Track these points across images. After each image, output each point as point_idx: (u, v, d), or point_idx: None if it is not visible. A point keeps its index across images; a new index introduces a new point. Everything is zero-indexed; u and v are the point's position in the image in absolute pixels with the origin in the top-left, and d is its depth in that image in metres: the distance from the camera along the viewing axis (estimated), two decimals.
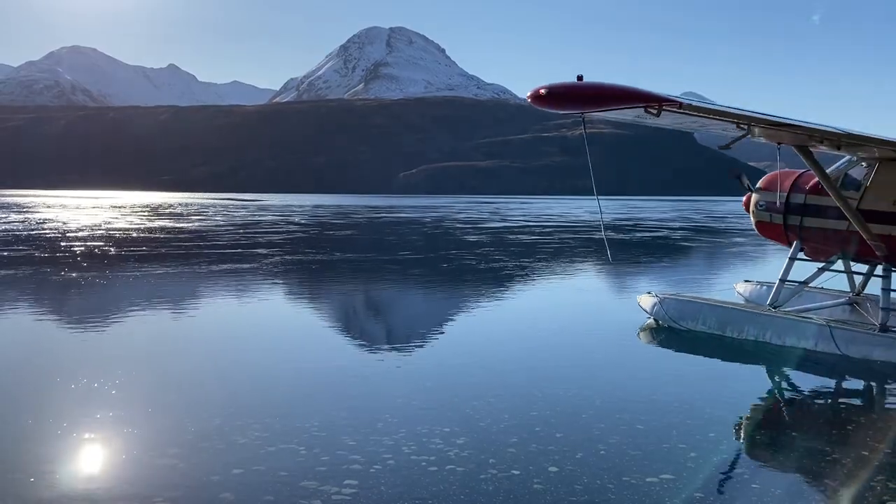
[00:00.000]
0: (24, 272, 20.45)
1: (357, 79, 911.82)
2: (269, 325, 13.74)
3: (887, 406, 9.10)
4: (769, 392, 9.72)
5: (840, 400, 9.35)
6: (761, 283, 13.97)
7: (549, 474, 6.25)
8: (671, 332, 12.49)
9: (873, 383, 9.91)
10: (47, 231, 38.39)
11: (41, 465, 6.39)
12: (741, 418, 8.16)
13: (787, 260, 12.27)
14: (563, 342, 12.28)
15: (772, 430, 8.01)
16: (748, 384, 9.91)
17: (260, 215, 64.76)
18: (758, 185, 12.97)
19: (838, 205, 11.13)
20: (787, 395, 9.53)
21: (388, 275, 22.59)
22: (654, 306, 12.87)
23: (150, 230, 41.13)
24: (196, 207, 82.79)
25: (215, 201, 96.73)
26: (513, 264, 24.38)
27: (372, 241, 38.09)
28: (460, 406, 8.35)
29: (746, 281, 14.89)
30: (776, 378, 10.18)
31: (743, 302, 13.38)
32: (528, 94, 8.10)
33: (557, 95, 7.86)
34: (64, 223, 46.12)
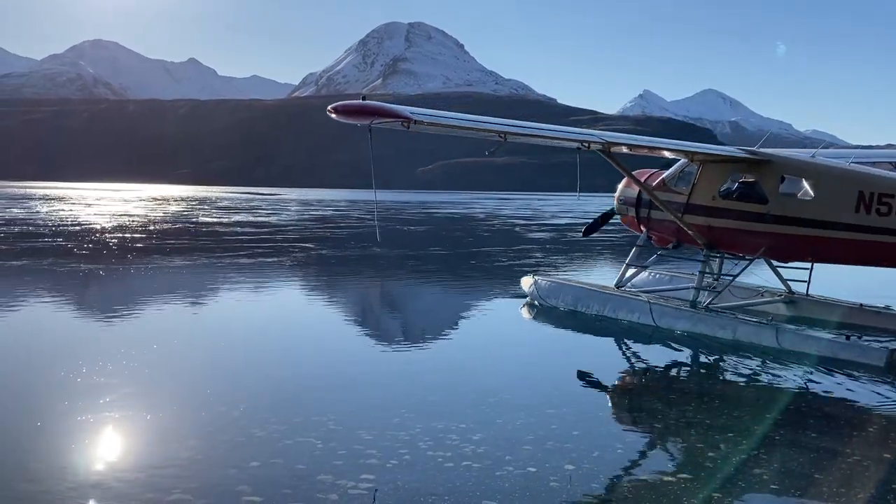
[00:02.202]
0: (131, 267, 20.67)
1: (375, 74, 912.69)
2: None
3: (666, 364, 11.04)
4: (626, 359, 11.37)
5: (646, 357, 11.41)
6: (648, 270, 15.21)
7: (565, 472, 6.24)
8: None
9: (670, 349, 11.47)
10: (169, 231, 38.66)
11: (61, 455, 6.47)
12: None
13: (634, 247, 14.24)
14: (581, 342, 12.25)
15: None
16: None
17: (314, 210, 64.45)
18: (620, 184, 14.60)
19: (670, 200, 12.98)
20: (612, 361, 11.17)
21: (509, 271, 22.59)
22: (530, 287, 14.83)
23: (237, 225, 41.03)
24: (238, 202, 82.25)
25: (244, 195, 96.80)
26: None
27: (458, 236, 37.62)
28: (477, 403, 8.36)
29: (636, 266, 15.70)
30: (619, 347, 12.00)
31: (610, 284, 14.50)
32: (329, 110, 9.68)
33: (341, 111, 9.51)
34: (151, 217, 46.47)
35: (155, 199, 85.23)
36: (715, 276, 13.63)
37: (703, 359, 11.08)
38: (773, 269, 13.82)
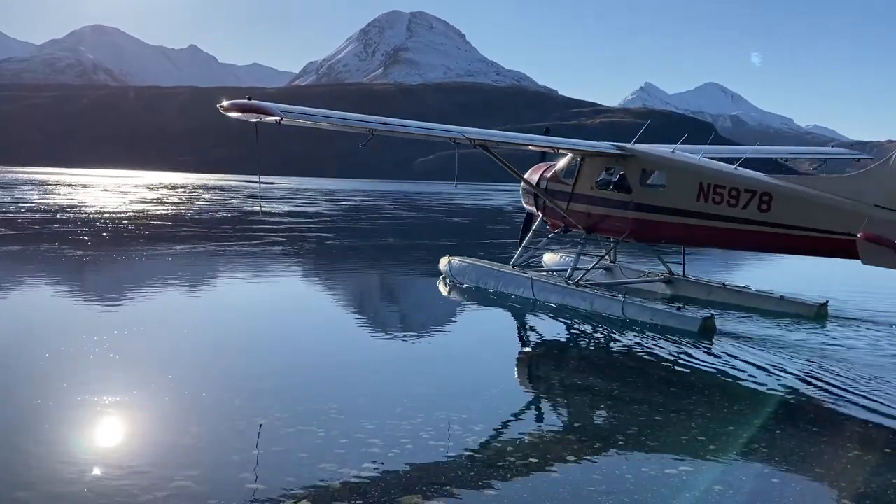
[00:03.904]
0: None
1: (377, 63, 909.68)
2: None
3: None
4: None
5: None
6: (561, 255, 16.79)
7: (567, 462, 6.24)
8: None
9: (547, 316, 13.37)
10: (222, 219, 38.60)
11: (61, 441, 6.47)
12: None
13: (530, 231, 16.03)
14: (585, 331, 12.27)
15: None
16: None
17: (342, 200, 63.78)
18: (526, 174, 16.07)
19: (560, 190, 14.90)
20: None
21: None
22: (445, 267, 16.56)
23: (290, 215, 40.94)
24: (256, 190, 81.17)
25: (251, 184, 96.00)
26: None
27: (501, 228, 37.48)
28: (479, 393, 8.37)
29: (551, 251, 17.98)
30: (514, 318, 13.53)
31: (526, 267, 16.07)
32: (218, 106, 11.11)
33: (228, 108, 10.95)
34: (216, 208, 46.40)
35: (179, 187, 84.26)
36: (610, 260, 16.23)
37: (563, 327, 12.59)
38: (656, 253, 16.10)
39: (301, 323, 12.80)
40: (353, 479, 5.74)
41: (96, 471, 5.83)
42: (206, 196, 61.38)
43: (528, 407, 8.23)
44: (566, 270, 14.71)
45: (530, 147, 15.09)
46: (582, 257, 14.87)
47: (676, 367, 9.79)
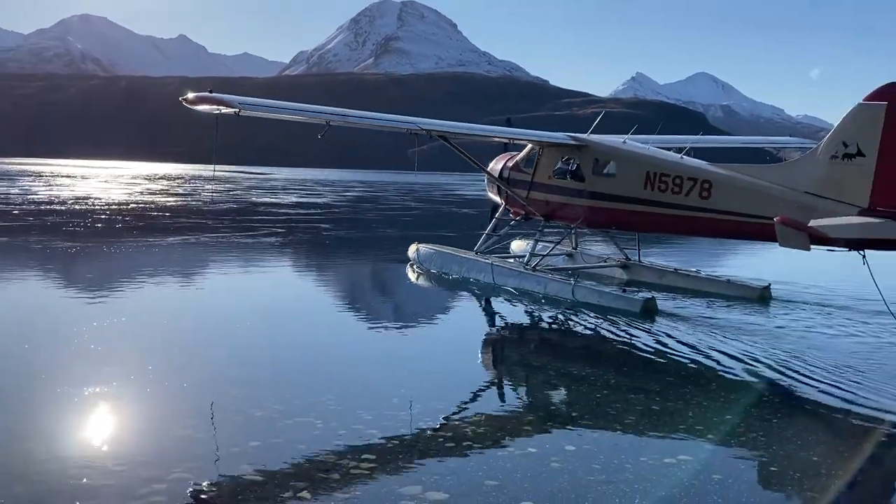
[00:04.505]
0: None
1: (367, 53, 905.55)
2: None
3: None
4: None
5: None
6: (527, 241, 17.03)
7: (566, 453, 6.25)
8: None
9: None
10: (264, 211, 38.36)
11: (61, 434, 6.43)
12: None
13: (494, 219, 16.60)
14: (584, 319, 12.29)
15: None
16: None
17: (345, 191, 63.34)
18: (490, 164, 16.70)
19: (521, 179, 15.54)
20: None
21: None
22: (413, 254, 17.18)
23: (300, 206, 40.82)
24: (258, 181, 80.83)
25: (247, 176, 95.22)
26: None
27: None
28: (478, 384, 8.36)
29: (520, 239, 18.40)
30: (479, 302, 14.23)
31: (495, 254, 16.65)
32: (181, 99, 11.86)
33: (190, 101, 11.80)
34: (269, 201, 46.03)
35: (177, 178, 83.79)
36: (572, 246, 17.15)
37: (517, 309, 13.21)
38: (613, 240, 16.88)
39: (282, 314, 12.75)
40: (353, 471, 5.72)
41: (93, 463, 5.78)
42: (210, 187, 60.89)
43: (515, 394, 8.25)
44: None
45: (493, 138, 15.84)
46: (541, 244, 15.44)
47: (619, 345, 10.38)
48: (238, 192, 55.32)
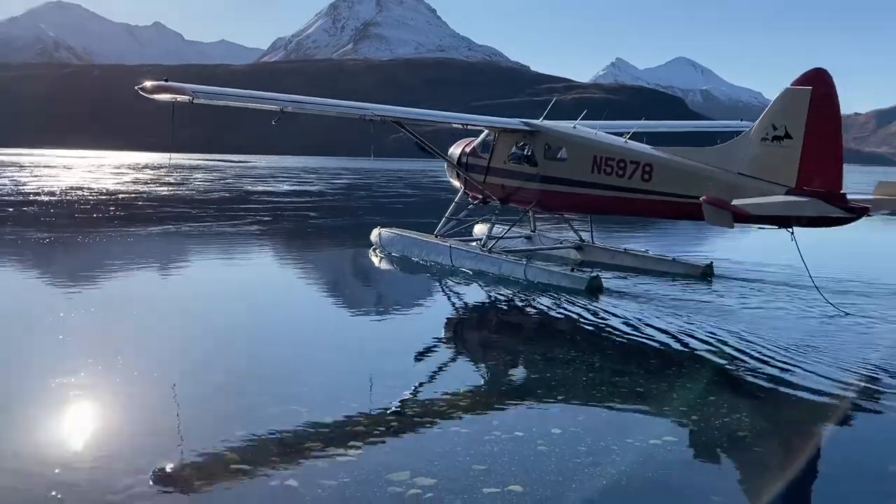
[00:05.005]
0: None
1: (346, 39, 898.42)
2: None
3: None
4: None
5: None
6: (492, 224, 16.92)
7: (552, 436, 6.28)
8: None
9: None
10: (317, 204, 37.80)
11: (44, 426, 6.36)
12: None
13: (453, 203, 16.98)
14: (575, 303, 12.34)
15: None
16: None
17: (333, 179, 62.66)
18: (450, 149, 17.09)
19: (478, 163, 16.00)
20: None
21: None
22: (375, 237, 17.52)
23: (295, 195, 40.50)
24: (242, 170, 79.90)
25: (232, 164, 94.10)
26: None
27: None
28: (463, 369, 8.38)
29: (481, 222, 18.15)
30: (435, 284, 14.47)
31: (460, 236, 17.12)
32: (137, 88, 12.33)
33: (147, 90, 12.15)
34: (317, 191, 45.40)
35: (160, 167, 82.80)
36: (531, 229, 17.70)
37: (477, 290, 13.77)
38: (567, 223, 17.75)
39: (262, 306, 12.70)
40: (339, 459, 5.70)
41: (77, 455, 5.74)
42: (198, 176, 60.22)
43: (490, 374, 8.28)
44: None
45: (448, 124, 16.20)
46: (497, 227, 15.85)
47: (564, 323, 10.93)
48: (228, 180, 54.93)
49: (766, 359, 8.70)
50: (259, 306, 12.08)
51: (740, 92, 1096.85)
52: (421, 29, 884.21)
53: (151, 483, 5.23)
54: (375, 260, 16.72)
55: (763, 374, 8.22)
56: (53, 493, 5.07)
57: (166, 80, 12.23)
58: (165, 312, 11.22)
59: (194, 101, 12.27)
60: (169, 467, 5.50)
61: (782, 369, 8.30)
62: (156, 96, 12.23)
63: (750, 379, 8.13)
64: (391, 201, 39.04)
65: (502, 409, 7.02)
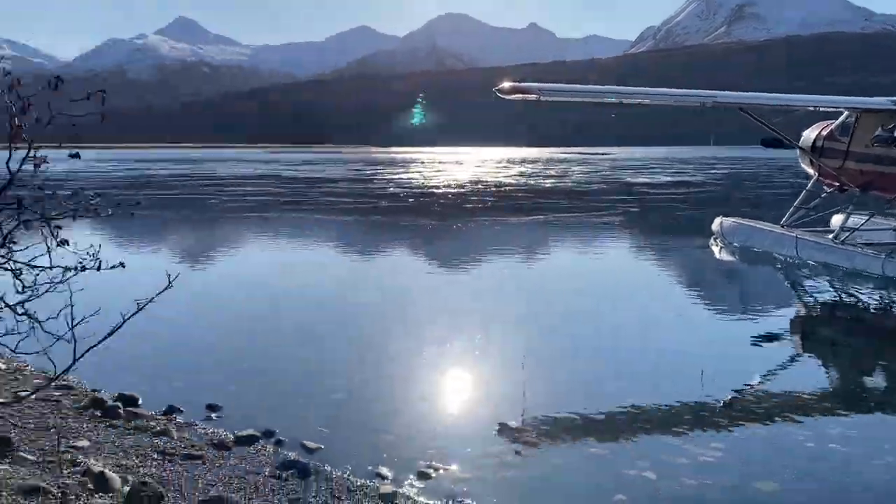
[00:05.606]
0: None
1: (719, 21, 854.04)
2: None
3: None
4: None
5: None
6: (847, 214, 15.34)
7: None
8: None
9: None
10: None
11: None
12: None
13: (804, 191, 16.02)
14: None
15: None
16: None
17: (715, 170, 60.11)
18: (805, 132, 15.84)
19: (834, 147, 14.91)
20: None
21: None
22: (717, 227, 17.14)
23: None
24: (596, 160, 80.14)
25: (580, 156, 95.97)
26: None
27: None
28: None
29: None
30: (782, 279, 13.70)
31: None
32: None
33: (503, 91, 12.91)
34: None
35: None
36: None
37: (824, 284, 12.62)
38: None
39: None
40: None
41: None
42: (576, 169, 61.78)
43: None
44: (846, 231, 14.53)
45: (800, 108, 14.98)
46: (854, 217, 14.72)
47: None
48: (605, 172, 56.05)
49: None
50: (597, 295, 11.94)
51: None
52: (804, 5, 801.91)
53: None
54: (715, 250, 16.17)
55: None
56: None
57: (521, 81, 13.13)
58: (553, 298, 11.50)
59: (541, 99, 13.05)
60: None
61: None
62: (510, 96, 13.09)
63: None
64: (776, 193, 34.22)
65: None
